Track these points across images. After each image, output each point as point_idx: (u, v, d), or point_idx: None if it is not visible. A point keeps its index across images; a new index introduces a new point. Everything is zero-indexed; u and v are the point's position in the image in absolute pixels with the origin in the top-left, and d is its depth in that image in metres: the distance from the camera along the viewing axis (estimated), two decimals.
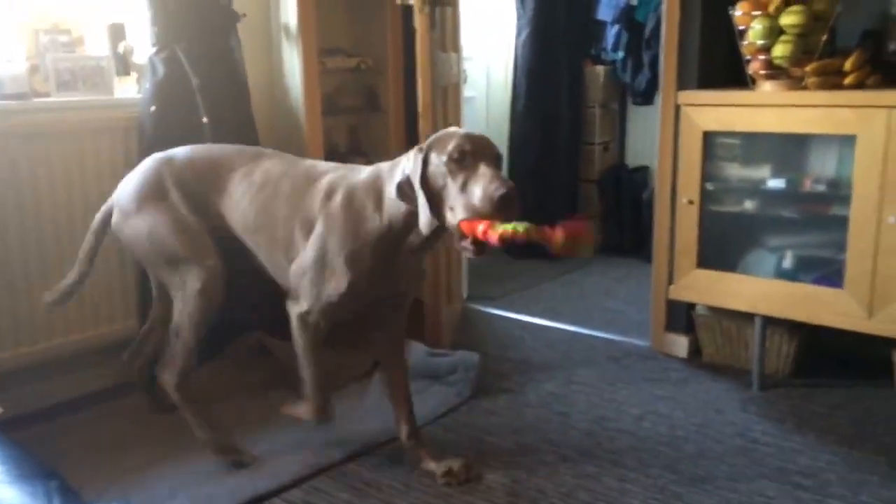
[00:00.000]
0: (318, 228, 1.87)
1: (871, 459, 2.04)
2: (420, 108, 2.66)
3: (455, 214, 1.67)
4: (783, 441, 2.15)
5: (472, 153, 1.68)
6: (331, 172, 1.96)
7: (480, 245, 1.66)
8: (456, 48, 3.03)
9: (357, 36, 3.29)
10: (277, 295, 1.99)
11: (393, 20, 3.19)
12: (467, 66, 3.83)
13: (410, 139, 3.18)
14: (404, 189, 1.75)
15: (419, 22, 2.57)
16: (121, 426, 2.30)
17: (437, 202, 1.71)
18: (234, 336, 2.67)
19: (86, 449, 2.14)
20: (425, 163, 1.72)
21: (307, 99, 2.83)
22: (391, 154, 3.26)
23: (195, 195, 2.03)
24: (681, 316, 2.78)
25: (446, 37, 2.88)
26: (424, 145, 1.75)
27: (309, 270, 1.87)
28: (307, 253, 1.88)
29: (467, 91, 3.87)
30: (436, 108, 2.71)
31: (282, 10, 2.86)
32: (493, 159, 1.70)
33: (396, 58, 3.24)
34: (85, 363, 2.49)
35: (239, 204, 2.01)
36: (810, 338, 2.56)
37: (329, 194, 1.88)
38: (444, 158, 1.68)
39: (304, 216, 1.91)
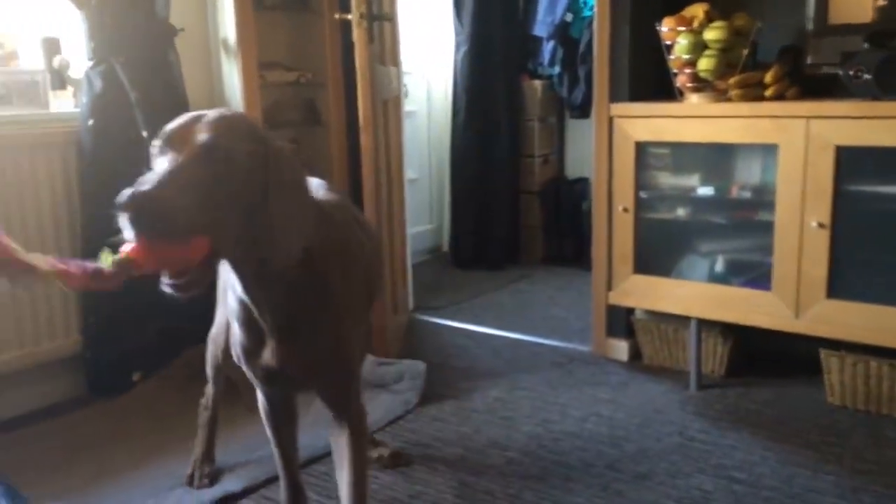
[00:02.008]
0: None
1: (800, 453, 2.13)
2: (361, 122, 2.69)
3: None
4: (719, 438, 2.23)
5: (168, 141, 1.19)
6: None
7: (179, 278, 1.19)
8: (395, 62, 3.08)
9: (296, 50, 3.31)
10: None
11: (331, 34, 3.22)
12: (408, 80, 3.88)
13: (352, 153, 3.21)
14: None
15: (357, 36, 2.61)
16: (64, 443, 2.26)
17: None
18: (181, 349, 2.65)
19: (30, 466, 2.10)
20: None
21: (247, 113, 2.83)
22: (332, 168, 3.30)
23: None
24: (620, 321, 2.86)
25: (385, 51, 2.93)
26: None
27: None
28: None
29: (408, 105, 3.92)
30: (376, 121, 2.75)
31: (220, 25, 2.87)
32: (189, 148, 1.16)
33: (336, 71, 3.27)
34: (26, 381, 2.44)
35: None
36: (743, 338, 2.67)
37: None
38: (156, 152, 1.21)
39: None
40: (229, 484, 2.00)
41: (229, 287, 1.42)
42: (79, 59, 2.56)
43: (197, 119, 1.21)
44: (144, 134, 2.51)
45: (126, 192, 1.08)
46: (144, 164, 2.67)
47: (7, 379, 2.39)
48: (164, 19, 2.62)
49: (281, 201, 1.25)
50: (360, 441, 1.56)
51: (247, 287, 1.34)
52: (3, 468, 2.03)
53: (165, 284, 1.18)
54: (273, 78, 3.16)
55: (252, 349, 1.45)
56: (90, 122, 2.47)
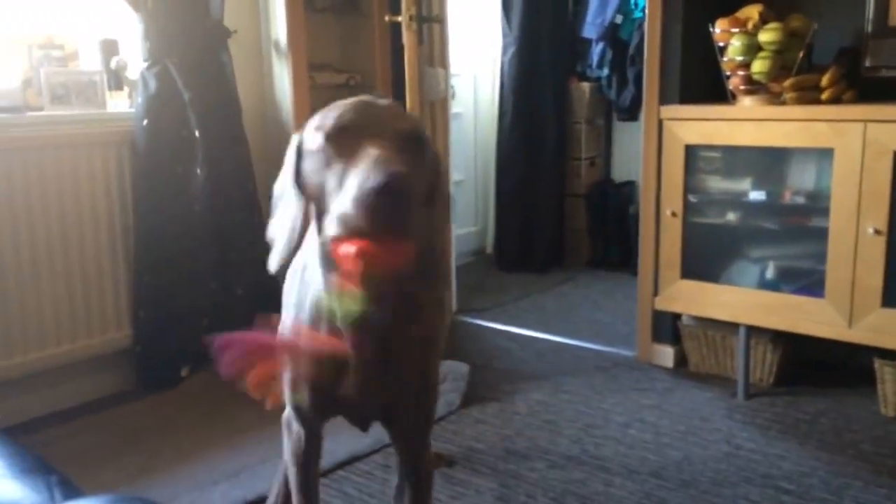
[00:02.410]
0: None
1: (852, 465, 2.08)
2: None
3: (328, 228, 1.01)
4: (767, 447, 2.19)
5: (356, 128, 1.03)
6: None
7: (370, 282, 0.98)
8: (444, 64, 3.09)
9: (346, 51, 3.34)
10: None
11: (381, 36, 3.24)
12: (455, 82, 3.89)
13: None
14: (276, 203, 1.17)
15: (407, 38, 2.62)
16: (114, 436, 2.32)
17: (319, 207, 1.07)
18: None
19: (81, 457, 2.15)
20: (300, 153, 1.10)
21: (297, 114, 2.87)
22: None
23: None
24: (666, 326, 2.82)
25: (434, 52, 2.94)
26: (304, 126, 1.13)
27: None
28: None
29: (455, 107, 3.93)
30: (424, 123, 2.76)
31: (272, 26, 2.92)
32: (392, 136, 1.02)
33: (385, 73, 3.29)
34: (77, 373, 2.51)
35: None
36: (793, 347, 2.61)
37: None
38: (321, 140, 1.04)
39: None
40: (258, 484, 1.98)
41: (306, 300, 1.21)
42: (135, 60, 2.62)
43: (375, 105, 1.07)
44: (197, 134, 2.57)
45: (379, 175, 0.91)
46: (196, 164, 2.73)
47: (60, 371, 2.46)
48: (217, 21, 2.67)
49: (442, 213, 1.14)
50: (429, 494, 1.39)
51: None
52: (55, 459, 2.09)
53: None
54: (323, 80, 3.19)
55: (327, 377, 1.20)
56: (144, 122, 2.53)
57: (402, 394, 1.25)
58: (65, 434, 2.32)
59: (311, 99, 3.01)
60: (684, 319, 2.77)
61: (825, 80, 2.36)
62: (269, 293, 2.02)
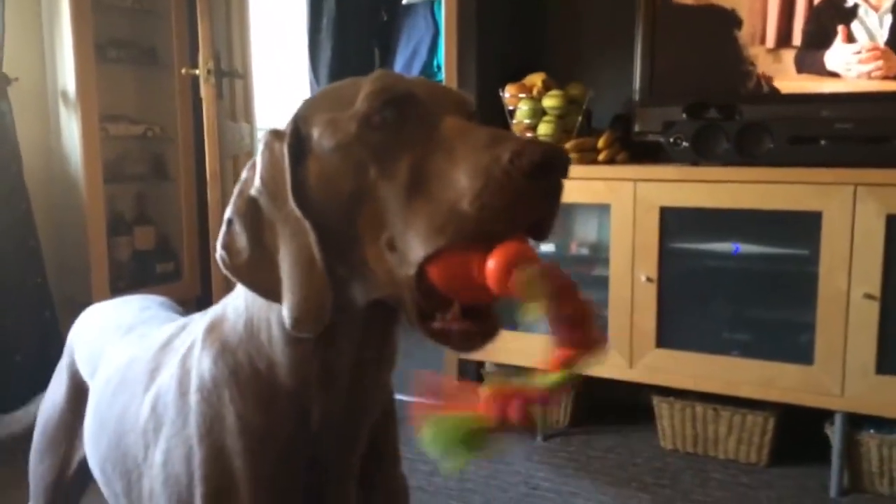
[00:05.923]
0: (159, 446, 0.91)
1: (636, 497, 2.24)
2: (208, 177, 2.65)
3: (406, 250, 0.71)
4: (562, 485, 2.31)
5: (421, 102, 0.74)
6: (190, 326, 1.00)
7: (484, 315, 0.74)
8: (248, 118, 3.07)
9: (144, 102, 3.23)
10: None
11: (181, 88, 3.16)
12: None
13: (201, 208, 3.14)
14: (242, 234, 0.77)
15: (205, 92, 2.59)
16: None
17: (341, 242, 0.74)
18: None
19: None
20: (296, 152, 0.76)
21: (87, 166, 2.73)
22: (182, 222, 3.21)
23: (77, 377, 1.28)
24: (471, 374, 2.91)
25: (237, 107, 2.91)
26: (290, 119, 0.79)
27: None
28: None
29: None
30: (225, 176, 2.72)
31: (59, 75, 2.76)
32: (466, 114, 0.76)
33: (186, 125, 3.21)
34: None
35: (89, 422, 1.14)
36: (586, 388, 2.79)
37: (177, 375, 0.92)
38: (353, 127, 0.73)
39: (142, 427, 0.94)
40: None
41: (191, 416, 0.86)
42: None
43: (439, 84, 0.81)
44: None
45: (532, 144, 0.65)
46: None
47: None
48: None
49: None
50: None
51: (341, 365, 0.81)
52: None
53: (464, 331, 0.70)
54: (117, 131, 3.06)
55: None
56: None
57: None
58: None
59: (104, 150, 2.87)
60: (487, 366, 2.88)
61: (601, 143, 2.60)
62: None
